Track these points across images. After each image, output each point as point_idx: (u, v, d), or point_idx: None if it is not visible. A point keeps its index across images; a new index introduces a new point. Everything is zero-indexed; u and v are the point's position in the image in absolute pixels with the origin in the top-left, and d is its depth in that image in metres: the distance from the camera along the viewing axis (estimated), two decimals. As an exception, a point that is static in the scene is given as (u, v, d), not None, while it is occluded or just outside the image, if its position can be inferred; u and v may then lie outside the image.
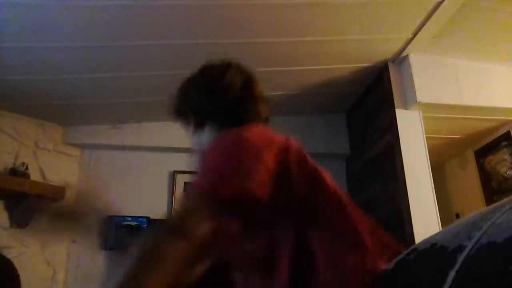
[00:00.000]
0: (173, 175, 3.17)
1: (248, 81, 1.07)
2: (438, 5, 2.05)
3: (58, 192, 2.78)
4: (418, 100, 2.46)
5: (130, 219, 3.00)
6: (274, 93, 2.99)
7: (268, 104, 1.09)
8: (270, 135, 0.83)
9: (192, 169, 0.78)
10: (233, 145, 0.77)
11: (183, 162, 3.23)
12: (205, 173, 0.72)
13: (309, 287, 0.67)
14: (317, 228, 0.72)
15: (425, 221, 2.31)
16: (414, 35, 2.34)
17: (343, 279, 0.66)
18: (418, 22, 2.22)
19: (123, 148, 3.17)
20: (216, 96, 1.01)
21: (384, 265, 0.63)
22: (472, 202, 3.22)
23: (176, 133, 3.20)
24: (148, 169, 3.17)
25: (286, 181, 0.75)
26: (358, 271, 0.66)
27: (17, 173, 2.63)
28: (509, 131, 2.87)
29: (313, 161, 0.83)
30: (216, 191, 0.65)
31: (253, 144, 0.76)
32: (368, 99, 3.02)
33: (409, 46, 2.45)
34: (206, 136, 1.00)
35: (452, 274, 0.24)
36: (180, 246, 0.61)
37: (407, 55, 2.56)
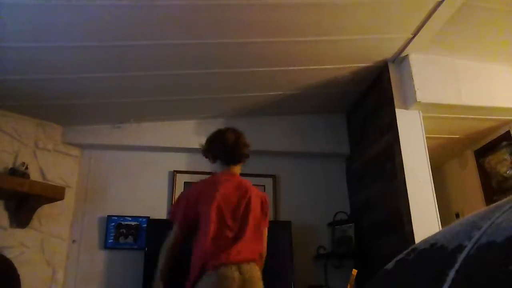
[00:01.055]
0: (173, 175, 3.17)
1: (237, 138, 1.98)
2: (438, 5, 2.05)
3: (58, 192, 2.78)
4: (418, 100, 2.46)
5: (130, 219, 3.01)
6: (274, 93, 2.99)
7: (249, 147, 2.01)
8: (194, 189, 1.97)
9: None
10: (179, 198, 2.02)
11: (183, 162, 3.23)
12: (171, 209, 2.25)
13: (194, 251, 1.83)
14: (198, 232, 1.85)
15: (425, 221, 2.31)
16: (414, 35, 2.34)
17: (194, 258, 1.80)
18: (418, 22, 2.22)
19: (123, 148, 3.17)
20: (220, 147, 1.98)
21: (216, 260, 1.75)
22: (472, 202, 3.23)
23: (176, 133, 3.23)
24: (148, 169, 3.18)
25: (194, 207, 1.87)
26: (198, 258, 1.77)
27: (17, 173, 2.63)
28: (509, 131, 2.87)
29: (206, 194, 1.89)
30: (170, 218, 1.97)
31: (181, 197, 2.00)
32: (368, 99, 3.03)
33: (409, 46, 2.45)
34: (216, 167, 2.02)
35: (452, 274, 0.24)
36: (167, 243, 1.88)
37: (407, 55, 2.56)
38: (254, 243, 1.86)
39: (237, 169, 1.99)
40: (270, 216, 3.08)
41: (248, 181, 2.00)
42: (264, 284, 2.12)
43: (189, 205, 1.87)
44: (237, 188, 1.90)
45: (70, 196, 2.97)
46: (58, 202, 2.84)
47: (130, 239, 2.96)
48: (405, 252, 0.31)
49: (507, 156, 2.90)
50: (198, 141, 3.32)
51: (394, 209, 2.51)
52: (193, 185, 2.07)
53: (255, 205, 1.91)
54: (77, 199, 3.04)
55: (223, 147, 1.95)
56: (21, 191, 2.56)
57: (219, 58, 2.43)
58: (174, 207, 1.97)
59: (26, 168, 2.70)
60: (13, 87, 2.52)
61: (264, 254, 1.98)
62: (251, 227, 1.85)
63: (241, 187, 1.92)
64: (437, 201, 2.38)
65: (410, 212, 2.32)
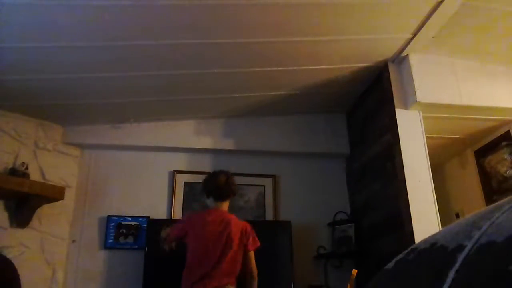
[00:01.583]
0: (173, 175, 3.18)
1: (227, 179, 2.42)
2: (438, 5, 2.05)
3: (58, 192, 2.78)
4: (418, 100, 2.46)
5: (130, 219, 3.01)
6: (274, 93, 2.99)
7: (236, 186, 2.47)
8: (187, 218, 2.56)
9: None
10: (178, 223, 2.52)
11: (183, 162, 3.23)
12: (169, 231, 2.44)
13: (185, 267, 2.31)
14: (188, 252, 2.31)
15: (425, 221, 2.31)
16: (414, 35, 2.34)
17: (183, 280, 2.25)
18: (418, 22, 2.22)
19: (123, 148, 3.17)
20: (213, 186, 2.41)
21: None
22: (472, 202, 3.23)
23: (176, 133, 3.23)
24: (148, 169, 3.18)
25: (184, 234, 2.35)
26: (186, 281, 2.24)
27: (17, 173, 2.64)
28: (509, 131, 2.87)
29: (195, 224, 2.37)
30: (166, 237, 2.42)
31: (177, 224, 2.48)
32: (368, 99, 3.02)
33: (409, 46, 2.45)
34: (209, 202, 2.44)
35: (452, 274, 0.24)
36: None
37: (407, 55, 2.56)
38: (231, 271, 2.25)
39: (225, 205, 2.42)
40: (270, 217, 3.12)
41: (232, 216, 2.38)
42: (264, 283, 2.23)
43: (180, 235, 2.36)
44: (220, 223, 2.30)
45: (70, 196, 2.97)
46: (58, 202, 2.84)
47: (130, 239, 2.96)
48: (405, 252, 0.31)
49: (507, 156, 2.90)
50: (198, 141, 3.36)
51: (394, 209, 2.51)
52: (187, 216, 2.70)
53: (235, 237, 2.28)
54: (77, 199, 3.04)
55: (215, 187, 2.40)
56: (21, 191, 2.56)
57: (219, 58, 2.43)
58: (170, 230, 2.44)
59: (26, 168, 2.71)
60: (13, 87, 2.52)
61: (255, 273, 2.32)
62: (229, 257, 2.23)
63: (223, 221, 2.31)
64: (437, 201, 2.38)
65: (410, 212, 2.32)
